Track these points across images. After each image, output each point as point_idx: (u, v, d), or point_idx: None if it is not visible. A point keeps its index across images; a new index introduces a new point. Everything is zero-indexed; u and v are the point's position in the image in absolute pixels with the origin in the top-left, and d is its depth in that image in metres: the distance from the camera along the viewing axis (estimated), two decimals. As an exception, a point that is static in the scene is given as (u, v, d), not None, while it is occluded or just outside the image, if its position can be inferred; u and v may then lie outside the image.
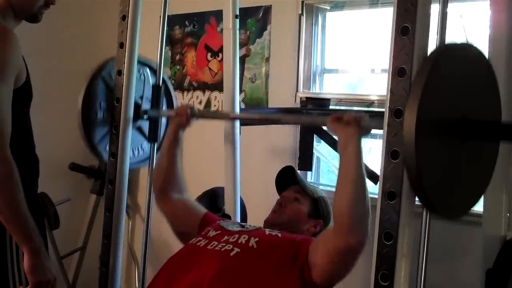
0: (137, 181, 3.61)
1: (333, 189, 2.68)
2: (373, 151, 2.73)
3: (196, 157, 3.30)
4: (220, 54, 3.18)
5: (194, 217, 1.96)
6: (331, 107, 2.67)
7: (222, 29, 2.32)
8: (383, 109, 1.41)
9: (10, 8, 1.67)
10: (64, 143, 3.49)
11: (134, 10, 2.02)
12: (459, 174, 1.32)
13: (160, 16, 2.21)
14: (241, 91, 2.96)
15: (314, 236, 1.91)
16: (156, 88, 2.17)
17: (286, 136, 2.88)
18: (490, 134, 1.34)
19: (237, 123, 2.25)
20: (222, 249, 1.69)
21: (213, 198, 2.32)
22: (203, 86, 3.32)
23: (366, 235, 1.52)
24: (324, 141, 2.64)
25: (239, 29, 2.28)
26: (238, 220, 2.23)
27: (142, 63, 2.19)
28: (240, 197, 2.30)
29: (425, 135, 1.21)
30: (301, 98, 2.83)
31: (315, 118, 1.89)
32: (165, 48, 2.26)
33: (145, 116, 2.15)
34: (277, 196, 2.03)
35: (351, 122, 1.56)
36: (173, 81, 3.47)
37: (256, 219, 2.03)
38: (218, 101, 3.21)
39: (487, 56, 1.44)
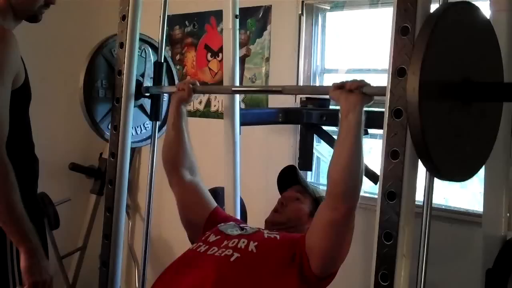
0: (137, 181, 3.61)
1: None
2: (373, 151, 2.73)
3: (196, 157, 3.30)
4: (220, 54, 3.18)
5: (204, 209, 1.97)
6: (331, 107, 2.67)
7: (222, 29, 2.32)
8: (383, 109, 1.41)
9: (10, 8, 1.66)
10: (64, 143, 3.49)
11: (134, 10, 2.02)
12: (463, 136, 1.32)
13: (160, 16, 2.21)
14: (241, 91, 2.96)
15: None
16: (158, 64, 2.17)
17: (286, 136, 2.88)
18: (493, 95, 1.33)
19: (237, 123, 2.25)
20: (222, 255, 1.69)
21: (213, 198, 2.32)
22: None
23: (356, 202, 1.54)
24: (324, 141, 2.64)
25: (239, 29, 2.28)
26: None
27: (144, 41, 2.19)
28: (240, 197, 2.30)
29: (428, 96, 1.20)
30: (301, 98, 2.82)
31: (317, 87, 1.89)
32: (165, 48, 2.26)
33: (147, 94, 2.14)
34: (277, 196, 2.03)
35: (354, 89, 1.55)
36: (173, 81, 3.48)
37: (256, 219, 2.03)
38: (218, 101, 3.21)
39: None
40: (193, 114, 3.33)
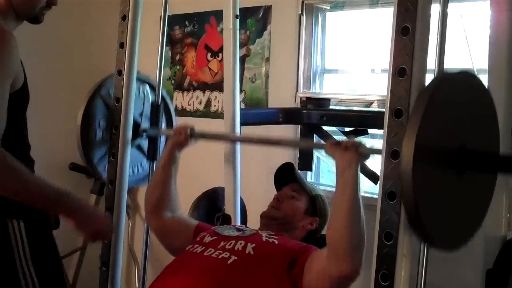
0: (137, 181, 3.61)
1: (333, 189, 2.69)
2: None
3: (196, 157, 3.30)
4: (220, 54, 3.18)
5: (186, 229, 1.94)
6: (331, 107, 2.67)
7: (222, 29, 2.32)
8: (383, 109, 1.41)
9: (11, 9, 1.65)
10: (64, 143, 3.48)
11: (134, 10, 2.02)
12: (456, 204, 1.31)
13: (160, 16, 2.21)
14: (241, 91, 2.96)
15: (309, 234, 1.91)
16: (155, 106, 2.17)
17: (286, 136, 2.88)
18: (488, 166, 1.33)
19: (237, 123, 2.25)
20: (219, 257, 1.68)
21: (213, 198, 2.32)
22: (203, 86, 3.32)
23: (360, 264, 1.50)
24: (324, 141, 2.64)
25: (239, 29, 2.28)
26: (238, 220, 2.24)
27: (142, 81, 2.19)
28: (240, 197, 2.30)
29: (423, 167, 1.20)
30: (301, 98, 2.82)
31: (314, 143, 1.89)
32: (165, 48, 2.26)
33: (144, 135, 2.15)
34: (277, 196, 2.03)
35: (349, 147, 1.56)
36: (173, 81, 3.48)
37: (256, 220, 2.03)
38: (218, 101, 3.21)
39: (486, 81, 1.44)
40: (193, 114, 3.33)
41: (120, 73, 2.03)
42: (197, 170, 3.13)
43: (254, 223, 2.00)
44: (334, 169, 1.60)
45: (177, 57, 3.45)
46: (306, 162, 2.65)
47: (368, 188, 2.65)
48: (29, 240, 1.63)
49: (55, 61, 3.38)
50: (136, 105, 2.08)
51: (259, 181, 2.80)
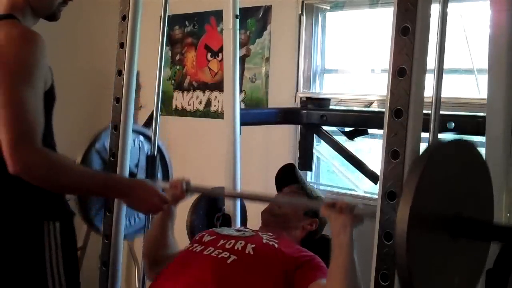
0: (137, 181, 3.61)
1: (333, 189, 2.70)
2: (373, 151, 2.74)
3: (196, 157, 3.30)
4: (220, 54, 3.18)
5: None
6: (331, 107, 2.68)
7: (222, 29, 2.32)
8: (383, 109, 1.41)
9: (29, 7, 1.65)
10: (64, 143, 3.48)
11: (134, 10, 2.02)
12: (450, 269, 1.32)
13: (160, 16, 2.21)
14: (241, 91, 2.96)
15: (310, 234, 1.91)
16: (150, 158, 2.15)
17: (286, 136, 2.88)
18: (482, 234, 1.34)
19: (237, 123, 2.25)
20: (219, 256, 1.68)
21: (213, 198, 2.32)
22: (203, 86, 3.32)
23: None
24: (324, 141, 2.64)
25: (239, 29, 2.28)
26: (238, 220, 2.24)
27: (138, 132, 2.18)
28: (240, 197, 2.30)
29: (417, 234, 1.21)
30: (301, 98, 2.83)
31: (309, 202, 1.86)
32: (165, 48, 2.26)
33: None
34: (277, 196, 2.03)
35: (344, 210, 1.55)
36: (173, 81, 3.48)
37: (256, 220, 2.03)
38: (218, 101, 3.21)
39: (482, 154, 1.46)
40: (193, 114, 3.33)
41: (120, 73, 2.03)
42: (197, 170, 3.13)
43: (254, 223, 2.00)
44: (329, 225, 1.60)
45: (177, 57, 3.46)
46: (306, 162, 2.65)
47: (368, 188, 2.65)
48: (62, 242, 1.65)
49: (54, 61, 3.37)
50: (131, 156, 2.04)
51: (259, 181, 2.81)
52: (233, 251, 1.69)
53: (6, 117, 1.46)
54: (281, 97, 2.92)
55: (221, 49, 2.91)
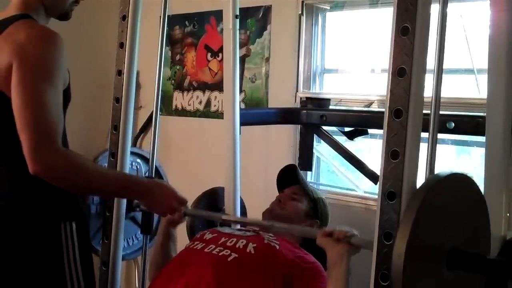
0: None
1: (333, 189, 2.70)
2: (373, 151, 2.74)
3: (196, 157, 3.30)
4: (220, 54, 3.18)
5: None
6: (331, 107, 2.68)
7: (222, 29, 2.32)
8: (383, 109, 1.41)
9: (42, 6, 1.66)
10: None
11: (134, 10, 2.02)
12: None
13: (160, 16, 2.21)
14: (241, 91, 2.96)
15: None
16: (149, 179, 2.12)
17: (286, 136, 2.88)
18: (477, 268, 1.35)
19: (237, 123, 2.25)
20: (220, 254, 1.68)
21: (213, 198, 2.32)
22: (203, 86, 3.32)
23: None
24: (324, 141, 2.64)
25: (239, 29, 2.27)
26: (238, 220, 2.24)
27: (135, 154, 2.18)
28: (240, 197, 2.30)
29: (414, 268, 1.22)
30: (301, 98, 2.83)
31: (306, 230, 1.85)
32: (165, 48, 2.26)
33: (138, 209, 2.08)
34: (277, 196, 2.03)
35: (341, 239, 1.54)
36: (173, 81, 3.48)
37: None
38: (218, 101, 3.21)
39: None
40: (193, 114, 3.33)
41: (120, 73, 2.03)
42: (197, 170, 3.13)
43: (254, 223, 2.00)
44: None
45: (177, 57, 3.46)
46: (306, 162, 2.65)
47: (368, 188, 2.65)
48: (79, 242, 1.66)
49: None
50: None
51: (259, 181, 2.81)
52: (234, 249, 1.69)
53: (28, 117, 1.47)
54: (281, 97, 2.92)
55: (221, 49, 2.91)
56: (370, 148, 2.77)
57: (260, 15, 3.01)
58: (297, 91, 2.88)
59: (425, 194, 1.26)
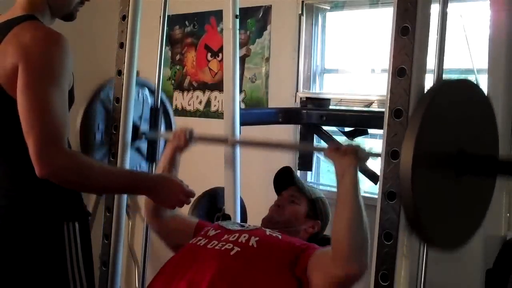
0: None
1: (333, 189, 2.69)
2: (373, 151, 2.73)
3: (196, 157, 3.30)
4: (220, 54, 3.18)
5: (187, 228, 1.94)
6: (331, 107, 2.67)
7: (222, 29, 2.32)
8: (383, 109, 1.41)
9: (48, 7, 1.66)
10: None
11: (134, 10, 2.02)
12: (456, 207, 1.32)
13: (160, 16, 2.21)
14: (241, 91, 2.96)
15: (311, 236, 1.91)
16: (154, 110, 2.17)
17: (286, 136, 2.88)
18: (487, 169, 1.35)
19: (237, 123, 2.25)
20: (222, 248, 1.69)
21: (213, 198, 2.32)
22: (203, 86, 3.32)
23: (365, 265, 1.52)
24: (324, 141, 2.63)
25: (239, 29, 2.27)
26: (238, 220, 2.23)
27: (141, 84, 2.19)
28: (240, 197, 2.30)
29: (422, 172, 1.21)
30: (301, 98, 2.83)
31: (314, 146, 1.87)
32: (165, 48, 2.26)
33: (144, 137, 2.14)
34: (277, 196, 2.03)
35: (348, 152, 1.59)
36: (173, 81, 3.48)
37: (256, 219, 2.03)
38: (218, 101, 3.21)
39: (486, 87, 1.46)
40: (193, 114, 3.33)
41: (120, 73, 2.03)
42: (197, 170, 3.13)
43: (254, 223, 1.99)
44: (334, 174, 1.62)
45: (177, 57, 3.46)
46: (306, 162, 2.65)
47: (368, 188, 2.65)
48: (81, 242, 1.66)
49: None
50: (135, 108, 2.07)
51: (259, 181, 2.80)
52: (236, 243, 1.70)
53: (35, 120, 1.46)
54: (281, 97, 2.92)
55: (221, 49, 2.91)
56: (370, 148, 2.77)
57: (260, 15, 3.01)
58: (297, 91, 2.88)
59: (432, 97, 1.24)
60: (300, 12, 2.85)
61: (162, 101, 2.22)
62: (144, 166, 2.22)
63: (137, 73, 2.08)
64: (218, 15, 3.03)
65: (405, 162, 1.19)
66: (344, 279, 1.55)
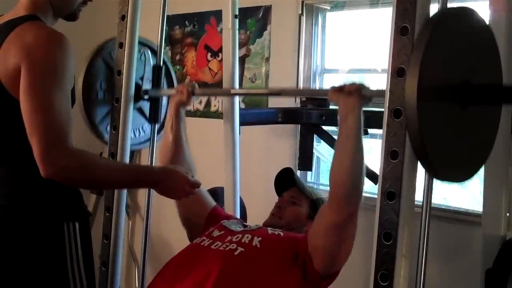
0: (137, 181, 3.60)
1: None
2: (373, 151, 2.73)
3: (196, 157, 3.29)
4: (220, 54, 3.18)
5: (203, 208, 1.98)
6: (331, 106, 2.67)
7: (222, 29, 2.32)
8: (382, 109, 1.41)
9: (50, 7, 1.66)
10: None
11: (133, 10, 2.02)
12: (461, 138, 1.32)
13: (160, 16, 2.21)
14: (241, 91, 2.96)
15: None
16: (157, 68, 2.16)
17: (286, 136, 2.88)
18: (492, 98, 1.34)
19: (237, 123, 2.25)
20: (226, 249, 1.70)
21: (213, 198, 2.32)
22: (203, 86, 3.32)
23: (359, 204, 1.55)
24: (324, 141, 2.64)
25: (239, 29, 2.27)
26: (238, 220, 2.24)
27: (143, 44, 2.19)
28: (240, 197, 2.30)
29: (427, 99, 1.20)
30: (301, 98, 2.82)
31: (317, 90, 1.86)
32: (164, 48, 2.26)
33: (146, 96, 2.13)
34: (277, 196, 2.03)
35: (352, 92, 1.55)
36: (173, 81, 3.48)
37: (256, 219, 2.03)
38: (218, 101, 3.21)
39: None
40: (193, 114, 3.33)
41: (119, 73, 2.03)
42: (197, 170, 3.13)
43: (254, 223, 1.99)
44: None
45: (177, 57, 3.46)
46: (306, 162, 2.65)
47: (368, 188, 2.65)
48: (81, 242, 1.66)
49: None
50: (137, 67, 2.07)
51: (259, 181, 2.81)
52: (240, 244, 1.71)
53: (38, 121, 1.46)
54: (281, 97, 2.92)
55: (221, 49, 2.91)
56: (370, 148, 2.77)
57: (260, 15, 3.01)
58: (297, 91, 2.88)
59: (433, 26, 1.23)
60: (300, 12, 2.85)
61: (164, 62, 2.22)
62: (146, 128, 2.22)
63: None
64: (218, 15, 3.03)
65: (411, 84, 1.19)
66: (341, 224, 1.57)
